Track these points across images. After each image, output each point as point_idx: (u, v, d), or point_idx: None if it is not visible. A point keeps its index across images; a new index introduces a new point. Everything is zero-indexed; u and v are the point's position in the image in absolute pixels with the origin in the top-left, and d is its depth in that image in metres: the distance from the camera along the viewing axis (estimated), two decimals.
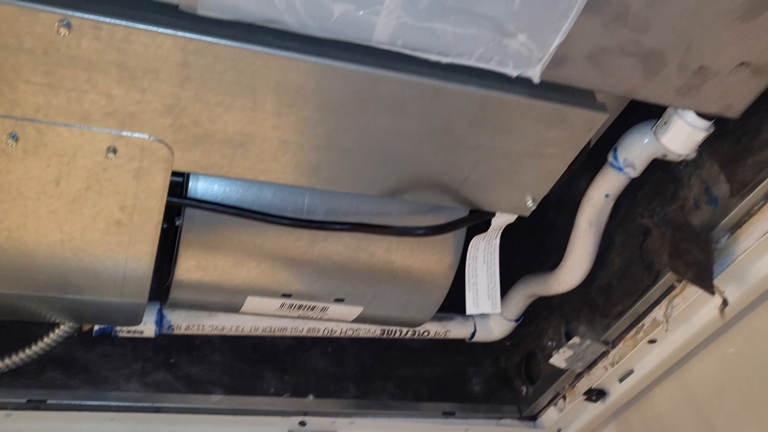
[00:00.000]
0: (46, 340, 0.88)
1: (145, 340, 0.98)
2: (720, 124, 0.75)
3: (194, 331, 0.94)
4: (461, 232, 0.85)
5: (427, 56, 0.60)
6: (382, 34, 0.58)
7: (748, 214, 0.78)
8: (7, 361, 0.88)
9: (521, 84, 0.64)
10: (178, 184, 0.75)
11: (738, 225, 0.80)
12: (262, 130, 0.64)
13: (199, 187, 0.75)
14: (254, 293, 0.83)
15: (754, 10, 0.61)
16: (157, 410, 0.95)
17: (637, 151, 0.81)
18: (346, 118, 0.65)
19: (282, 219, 0.74)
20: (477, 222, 0.80)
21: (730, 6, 0.60)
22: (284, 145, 0.66)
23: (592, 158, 0.85)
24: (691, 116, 0.73)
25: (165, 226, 0.78)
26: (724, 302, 0.82)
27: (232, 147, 0.66)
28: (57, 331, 0.88)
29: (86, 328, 0.91)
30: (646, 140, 0.79)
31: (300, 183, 0.70)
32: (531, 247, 1.10)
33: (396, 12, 0.56)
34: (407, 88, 0.63)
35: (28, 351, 0.88)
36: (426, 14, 0.57)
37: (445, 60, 0.61)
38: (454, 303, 0.93)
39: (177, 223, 0.77)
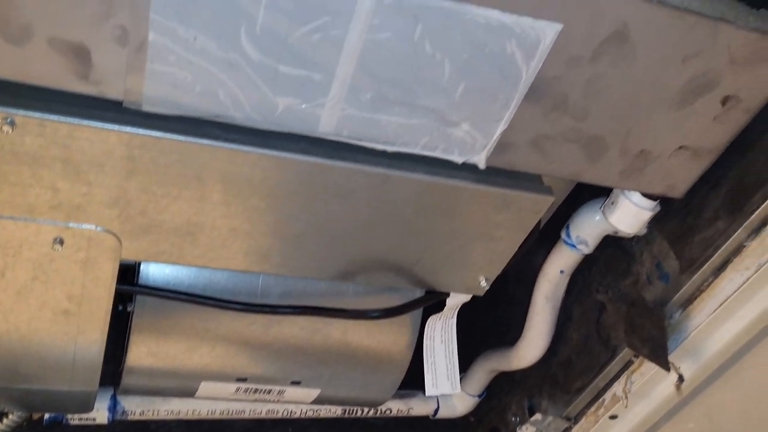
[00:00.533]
0: None
1: (98, 427, 0.95)
2: (666, 203, 0.76)
3: (149, 416, 0.92)
4: (418, 311, 0.85)
5: (372, 145, 0.61)
6: (327, 125, 0.59)
7: (699, 290, 0.79)
8: None
9: (468, 170, 0.66)
10: (130, 269, 0.75)
11: (689, 301, 0.81)
12: (211, 219, 0.64)
13: (151, 272, 0.74)
14: (208, 378, 0.82)
15: (688, 98, 0.63)
16: None
17: (588, 229, 0.82)
18: (295, 206, 0.65)
19: (234, 304, 0.73)
20: (432, 302, 0.80)
21: (665, 95, 0.63)
22: (233, 233, 0.66)
23: (548, 233, 0.86)
24: (636, 196, 0.74)
25: (120, 308, 0.77)
26: (680, 378, 0.82)
27: (181, 236, 0.66)
28: (5, 420, 0.85)
29: (36, 416, 0.89)
30: (596, 218, 0.80)
31: (251, 269, 0.70)
32: (491, 320, 1.10)
33: (339, 104, 0.58)
34: (354, 176, 0.63)
35: None
36: (369, 106, 0.58)
37: (390, 149, 0.62)
38: (415, 379, 0.92)
39: (129, 309, 0.76)
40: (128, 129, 0.56)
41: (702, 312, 0.79)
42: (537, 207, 0.70)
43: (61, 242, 0.63)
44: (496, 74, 0.58)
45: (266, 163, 0.61)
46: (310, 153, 0.62)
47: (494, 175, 0.67)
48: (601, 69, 0.59)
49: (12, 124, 0.54)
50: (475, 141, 0.63)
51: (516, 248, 0.74)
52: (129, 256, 0.66)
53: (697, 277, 0.78)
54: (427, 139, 0.62)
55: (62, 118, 0.55)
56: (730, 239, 0.74)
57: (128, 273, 0.75)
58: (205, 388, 0.83)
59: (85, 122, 0.55)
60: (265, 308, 0.74)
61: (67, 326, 0.71)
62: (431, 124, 0.61)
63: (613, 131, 0.65)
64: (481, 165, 0.64)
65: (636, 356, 0.86)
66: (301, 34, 0.53)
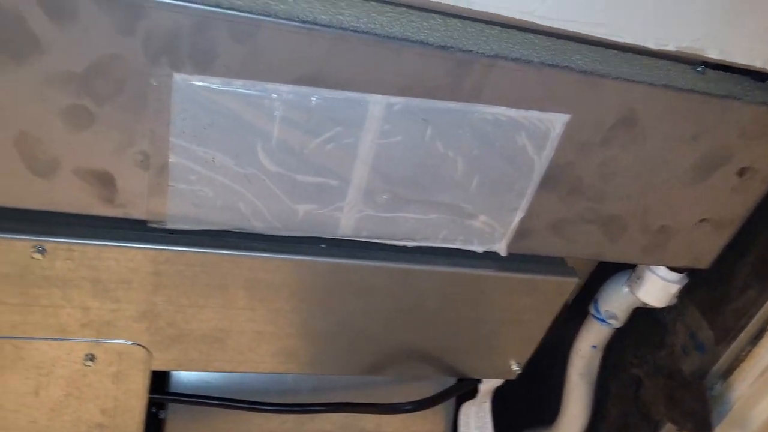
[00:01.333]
0: None
1: None
2: (695, 272, 0.75)
3: None
4: (451, 400, 0.84)
5: (392, 242, 0.62)
6: (346, 228, 0.60)
7: (737, 360, 0.78)
8: None
9: (490, 258, 0.66)
10: (161, 375, 0.75)
11: (729, 371, 0.79)
12: (237, 325, 0.65)
13: (182, 378, 0.75)
14: None
15: (704, 173, 0.63)
16: None
17: (616, 303, 0.81)
18: (318, 306, 0.65)
19: (266, 406, 0.73)
20: (465, 390, 0.79)
21: (679, 172, 0.63)
22: (259, 336, 0.66)
23: (578, 307, 0.85)
24: (662, 270, 0.74)
25: (153, 410, 0.78)
26: None
27: (209, 343, 0.66)
28: None
29: None
30: (624, 291, 0.80)
31: (278, 370, 0.70)
32: (527, 399, 1.08)
33: (357, 207, 0.59)
34: (376, 273, 0.64)
35: None
36: (386, 206, 0.59)
37: (411, 244, 0.62)
38: None
39: (161, 416, 0.76)
40: (153, 246, 0.58)
41: (743, 382, 0.77)
42: (562, 289, 0.69)
43: (93, 358, 0.64)
44: (509, 166, 0.59)
45: (287, 267, 0.62)
46: (330, 254, 0.62)
47: (517, 261, 0.67)
48: (612, 152, 0.60)
49: (42, 251, 0.56)
50: (494, 230, 0.63)
51: (545, 331, 0.73)
52: (159, 366, 0.67)
53: (734, 346, 0.77)
54: (446, 233, 0.62)
55: (89, 241, 0.56)
56: (763, 308, 0.73)
57: (160, 378, 0.76)
58: None
59: (112, 243, 0.57)
60: (297, 408, 0.74)
61: None
62: (449, 218, 0.61)
63: (630, 210, 0.65)
64: (503, 253, 0.64)
65: (679, 431, 0.84)
66: (315, 145, 0.54)
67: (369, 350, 0.71)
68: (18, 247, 0.55)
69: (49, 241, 0.55)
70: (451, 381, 0.81)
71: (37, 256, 0.56)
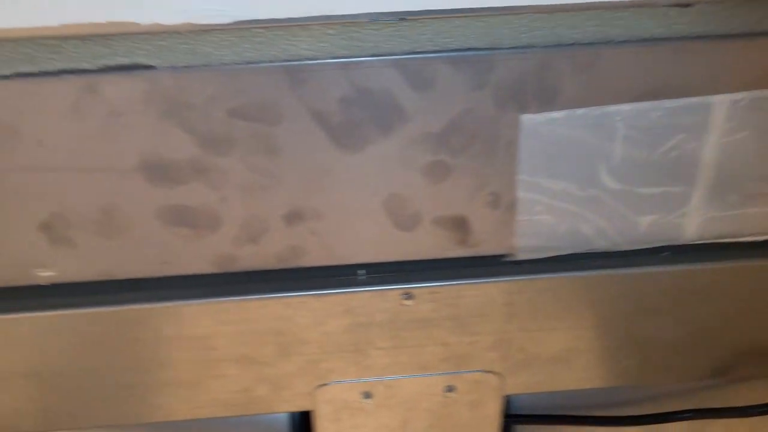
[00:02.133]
0: None
1: None
2: None
3: None
4: None
5: (739, 240, 0.60)
6: (691, 232, 0.59)
7: None
8: None
9: None
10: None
11: None
12: (582, 343, 0.66)
13: (521, 399, 0.77)
14: None
15: None
16: None
17: None
18: (658, 315, 0.65)
19: (616, 420, 0.73)
20: None
21: None
22: (606, 351, 0.67)
23: None
24: None
25: None
26: None
27: (555, 363, 0.68)
28: None
29: None
30: None
31: (613, 383, 0.70)
32: None
33: (701, 210, 0.58)
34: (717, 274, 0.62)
35: None
36: (733, 205, 0.58)
37: (760, 239, 0.60)
38: None
39: None
40: (506, 278, 0.61)
41: None
42: None
43: (452, 389, 0.69)
44: None
45: (628, 280, 0.62)
46: (673, 262, 0.62)
47: None
48: None
49: (410, 297, 0.61)
50: None
51: None
52: (510, 390, 0.70)
53: None
54: None
55: (450, 282, 0.61)
56: None
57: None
58: None
59: (469, 281, 0.61)
60: (649, 419, 0.73)
61: None
62: None
63: None
64: None
65: None
66: (658, 156, 0.54)
67: (710, 354, 0.69)
68: (390, 296, 0.61)
69: (415, 288, 0.61)
70: None
71: (406, 302, 0.61)
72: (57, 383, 0.64)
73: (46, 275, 0.57)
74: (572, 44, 0.49)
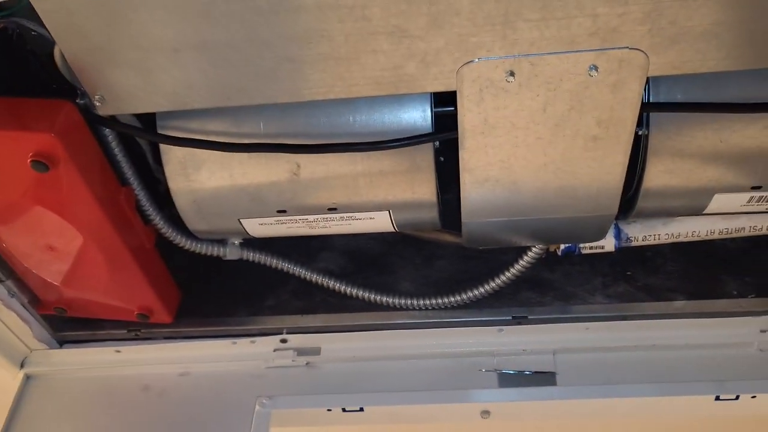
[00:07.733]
0: (521, 262, 0.99)
1: (600, 258, 1.05)
2: None
3: (650, 241, 0.99)
4: None
5: None
6: None
7: None
8: (491, 284, 1.02)
9: None
10: None
11: None
12: (737, 15, 0.65)
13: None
14: (721, 190, 0.84)
15: None
16: (624, 318, 1.01)
17: None
18: None
19: (758, 106, 0.73)
20: None
21: None
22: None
23: None
24: None
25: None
26: None
27: (706, 40, 0.67)
28: (529, 254, 0.98)
29: (553, 248, 1.01)
30: None
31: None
32: None
33: None
34: None
35: (507, 274, 1.00)
36: None
37: None
38: None
39: (639, 132, 0.81)
40: None
41: None
42: None
43: (596, 68, 0.70)
44: None
45: None
46: None
47: None
48: None
49: None
50: None
51: None
52: (655, 71, 0.70)
53: None
54: None
55: None
56: None
57: None
58: (717, 201, 0.86)
59: None
60: None
61: (595, 152, 0.79)
62: None
63: None
64: None
65: None
66: None
67: None
68: None
69: None
70: None
71: None
72: (225, 55, 0.70)
73: None
74: None
